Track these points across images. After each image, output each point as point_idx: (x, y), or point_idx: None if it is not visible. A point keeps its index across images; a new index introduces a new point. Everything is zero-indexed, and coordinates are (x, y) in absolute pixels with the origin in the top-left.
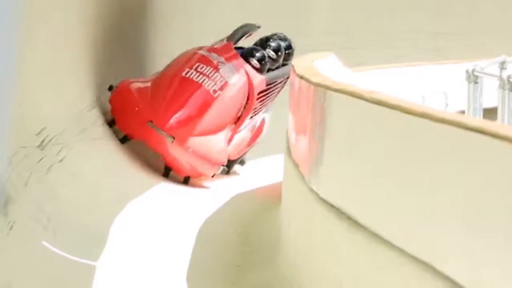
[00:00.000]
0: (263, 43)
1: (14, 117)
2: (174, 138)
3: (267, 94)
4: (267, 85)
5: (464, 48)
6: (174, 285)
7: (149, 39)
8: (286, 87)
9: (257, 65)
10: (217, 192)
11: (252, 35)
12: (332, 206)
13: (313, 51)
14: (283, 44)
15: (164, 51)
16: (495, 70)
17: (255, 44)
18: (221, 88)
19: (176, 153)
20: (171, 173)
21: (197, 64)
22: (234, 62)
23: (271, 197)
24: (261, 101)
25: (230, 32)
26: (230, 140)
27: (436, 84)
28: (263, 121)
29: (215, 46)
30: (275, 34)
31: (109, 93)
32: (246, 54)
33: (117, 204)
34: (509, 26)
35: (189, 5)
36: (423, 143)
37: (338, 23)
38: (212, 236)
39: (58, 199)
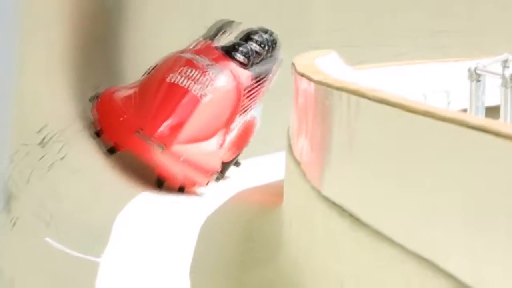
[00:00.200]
0: (247, 37)
1: (15, 115)
2: (164, 147)
3: (254, 89)
4: (254, 80)
5: (466, 46)
6: (177, 281)
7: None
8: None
9: (243, 59)
10: (219, 190)
11: (231, 31)
12: (334, 204)
13: (314, 49)
14: (267, 37)
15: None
16: (498, 68)
17: (238, 38)
18: (210, 92)
19: (167, 163)
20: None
21: (182, 68)
22: (220, 63)
23: (271, 196)
24: (249, 97)
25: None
26: (222, 144)
27: (438, 83)
28: (254, 119)
29: (198, 47)
30: (256, 28)
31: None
32: (230, 50)
33: (119, 201)
34: (511, 24)
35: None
36: (425, 142)
37: (339, 21)
38: (214, 233)
39: (60, 196)
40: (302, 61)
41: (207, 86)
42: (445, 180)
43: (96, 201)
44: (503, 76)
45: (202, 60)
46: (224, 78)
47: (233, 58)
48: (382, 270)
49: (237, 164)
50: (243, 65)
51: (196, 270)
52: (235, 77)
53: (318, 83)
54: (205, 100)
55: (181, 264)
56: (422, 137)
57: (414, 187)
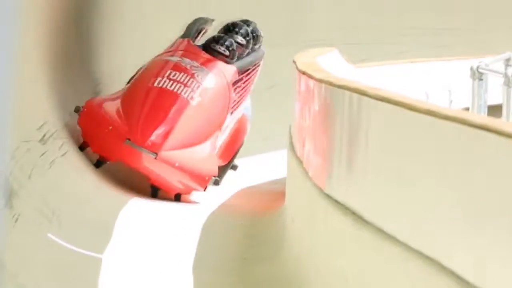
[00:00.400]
0: (228, 30)
1: (15, 112)
2: (156, 153)
3: (241, 83)
4: (240, 74)
5: (468, 45)
6: (180, 277)
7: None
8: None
9: (223, 51)
10: (221, 188)
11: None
12: (336, 202)
13: (316, 47)
14: (248, 28)
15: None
16: (500, 67)
17: (220, 31)
18: (199, 95)
19: (161, 170)
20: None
21: (169, 72)
22: (208, 64)
23: (273, 194)
24: (237, 92)
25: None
26: (216, 146)
27: (441, 81)
28: (245, 118)
29: (180, 48)
30: (237, 20)
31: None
32: (211, 42)
33: (120, 198)
34: None
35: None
36: (427, 140)
37: (341, 19)
38: (217, 230)
39: (62, 192)
40: (304, 59)
41: (196, 89)
42: (448, 178)
43: (98, 198)
44: (505, 75)
45: (189, 63)
46: (213, 80)
47: (215, 51)
48: (385, 268)
49: (234, 167)
50: (226, 58)
51: (199, 266)
52: (223, 76)
53: (320, 81)
54: (195, 103)
55: (184, 260)
56: (424, 135)
57: (417, 185)
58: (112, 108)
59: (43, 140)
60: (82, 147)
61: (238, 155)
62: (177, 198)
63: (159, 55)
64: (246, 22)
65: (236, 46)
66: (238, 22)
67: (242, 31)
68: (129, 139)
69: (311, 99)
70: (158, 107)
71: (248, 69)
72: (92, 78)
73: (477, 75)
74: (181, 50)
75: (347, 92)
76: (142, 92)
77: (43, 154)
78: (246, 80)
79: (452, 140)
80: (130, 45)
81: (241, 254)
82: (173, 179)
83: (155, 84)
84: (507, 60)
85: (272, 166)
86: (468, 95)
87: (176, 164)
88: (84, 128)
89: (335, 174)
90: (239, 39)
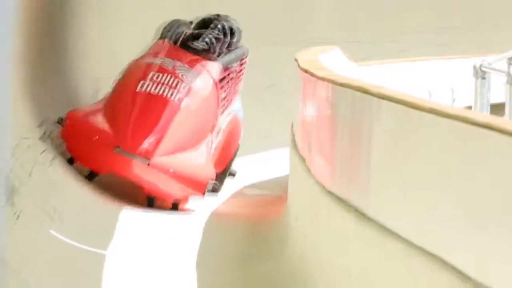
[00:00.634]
0: (203, 25)
1: (15, 109)
2: (149, 159)
3: (227, 80)
4: (224, 71)
5: (471, 43)
6: (184, 274)
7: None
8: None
9: (203, 46)
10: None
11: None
12: (339, 199)
13: (318, 45)
14: (226, 24)
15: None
16: (503, 65)
17: (195, 28)
18: (187, 96)
19: (155, 178)
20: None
21: (153, 74)
22: (192, 63)
23: (275, 192)
24: (224, 90)
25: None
26: (211, 148)
27: (443, 79)
28: (237, 119)
29: (162, 50)
30: (212, 15)
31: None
32: (190, 40)
33: (122, 196)
34: None
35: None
36: (430, 138)
37: (343, 17)
38: (220, 227)
39: (63, 189)
40: (306, 57)
41: (183, 90)
42: (450, 176)
43: (100, 195)
44: (508, 74)
45: (173, 63)
46: (200, 79)
47: (194, 49)
48: (388, 264)
49: (232, 174)
50: (208, 53)
51: (203, 263)
52: (209, 75)
53: (322, 79)
54: (185, 105)
55: (188, 258)
56: (427, 133)
57: (419, 182)
58: (96, 117)
59: (43, 138)
60: (71, 161)
61: (237, 155)
62: (175, 207)
63: (138, 59)
64: (219, 17)
65: (215, 41)
66: (211, 17)
67: (218, 25)
68: (119, 147)
69: (313, 97)
70: (147, 112)
71: (232, 65)
72: (92, 78)
73: (480, 73)
74: (162, 51)
75: (349, 90)
76: (128, 98)
77: (43, 151)
78: (233, 78)
79: (455, 139)
80: (131, 45)
81: (245, 251)
82: (168, 186)
83: (140, 88)
84: (510, 58)
85: (272, 164)
86: (471, 94)
87: (171, 170)
88: (68, 141)
89: (338, 172)
90: (216, 33)
